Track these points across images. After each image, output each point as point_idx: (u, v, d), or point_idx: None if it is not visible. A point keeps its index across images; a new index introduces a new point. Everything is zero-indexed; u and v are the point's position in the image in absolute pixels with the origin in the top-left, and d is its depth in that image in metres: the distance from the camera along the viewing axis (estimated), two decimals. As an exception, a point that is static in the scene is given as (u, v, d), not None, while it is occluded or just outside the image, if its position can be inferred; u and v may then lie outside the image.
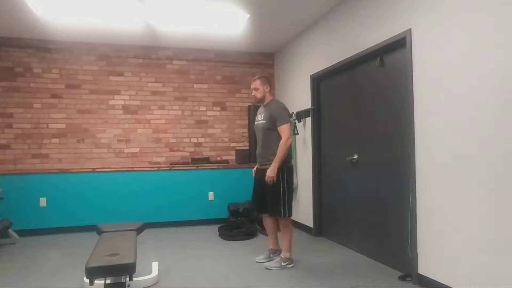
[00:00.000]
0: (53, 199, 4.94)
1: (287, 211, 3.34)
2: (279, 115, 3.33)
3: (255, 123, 3.58)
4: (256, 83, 3.47)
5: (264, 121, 3.40)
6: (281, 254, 3.45)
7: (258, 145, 3.53)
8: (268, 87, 3.49)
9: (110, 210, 5.08)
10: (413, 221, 2.98)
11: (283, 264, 3.38)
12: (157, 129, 5.42)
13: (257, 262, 3.57)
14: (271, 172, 3.27)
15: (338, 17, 4.05)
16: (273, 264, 3.39)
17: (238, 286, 2.99)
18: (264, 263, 3.43)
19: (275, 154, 3.30)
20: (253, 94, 3.52)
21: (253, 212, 4.73)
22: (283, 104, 3.50)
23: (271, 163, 3.31)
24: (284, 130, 3.30)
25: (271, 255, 3.61)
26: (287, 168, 3.39)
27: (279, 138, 3.31)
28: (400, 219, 3.20)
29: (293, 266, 3.42)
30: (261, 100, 3.50)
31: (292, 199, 3.46)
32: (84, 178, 5.06)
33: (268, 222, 3.60)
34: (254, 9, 4.10)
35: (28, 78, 4.97)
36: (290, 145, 3.35)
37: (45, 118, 5.01)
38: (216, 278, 3.16)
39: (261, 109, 3.54)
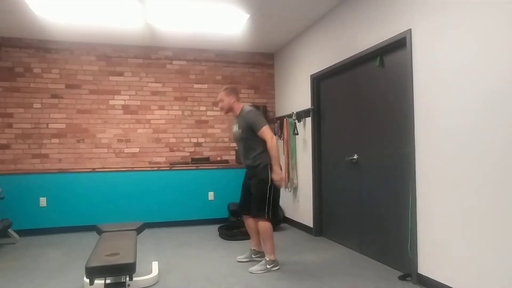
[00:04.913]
0: (53, 199, 4.94)
1: (270, 214, 3.31)
2: (254, 121, 3.29)
3: (233, 132, 3.57)
4: (221, 95, 3.46)
5: (240, 131, 3.38)
6: (266, 257, 3.38)
7: (240, 153, 3.52)
8: (234, 98, 3.44)
9: (110, 210, 5.08)
10: (413, 221, 2.98)
11: (268, 266, 3.31)
12: (157, 129, 5.42)
13: (238, 261, 3.58)
14: (276, 176, 3.28)
15: (338, 17, 4.05)
16: (258, 267, 3.32)
17: (237, 286, 2.99)
18: (249, 268, 3.35)
19: (260, 156, 3.31)
20: (219, 106, 3.52)
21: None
22: (254, 109, 3.44)
23: (259, 165, 3.31)
24: (264, 132, 3.27)
25: (253, 256, 3.60)
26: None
27: (260, 141, 3.30)
28: (400, 219, 3.20)
29: (278, 268, 3.36)
30: (229, 111, 3.49)
31: (277, 204, 3.43)
32: (84, 178, 5.06)
33: (249, 223, 3.58)
34: (254, 9, 4.11)
35: (28, 78, 4.97)
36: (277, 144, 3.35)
37: (45, 118, 5.01)
38: (215, 278, 3.16)
39: (235, 120, 3.52)
